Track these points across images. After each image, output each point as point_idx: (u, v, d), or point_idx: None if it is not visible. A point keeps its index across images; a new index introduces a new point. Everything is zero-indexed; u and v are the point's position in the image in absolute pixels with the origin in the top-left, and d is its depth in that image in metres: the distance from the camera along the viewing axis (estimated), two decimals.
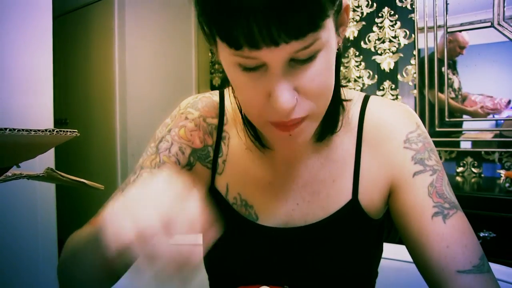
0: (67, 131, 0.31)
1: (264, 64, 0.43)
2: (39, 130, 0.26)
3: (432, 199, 0.53)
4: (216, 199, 0.63)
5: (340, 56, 0.54)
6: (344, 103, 0.59)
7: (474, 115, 1.82)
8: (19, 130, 0.24)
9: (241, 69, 0.44)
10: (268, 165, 0.61)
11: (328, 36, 0.44)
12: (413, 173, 0.55)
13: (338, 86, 0.56)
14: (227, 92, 0.65)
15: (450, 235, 0.51)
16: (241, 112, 0.59)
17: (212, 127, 0.64)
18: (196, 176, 0.64)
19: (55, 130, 0.29)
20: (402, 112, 0.59)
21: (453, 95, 1.86)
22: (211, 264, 0.63)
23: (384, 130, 0.58)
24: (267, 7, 0.37)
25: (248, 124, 0.59)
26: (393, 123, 0.58)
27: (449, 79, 1.85)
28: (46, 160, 1.50)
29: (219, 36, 0.42)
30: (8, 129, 0.24)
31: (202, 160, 0.63)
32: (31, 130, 0.26)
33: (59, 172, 0.56)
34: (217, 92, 0.67)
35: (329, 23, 0.43)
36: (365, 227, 0.59)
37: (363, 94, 0.62)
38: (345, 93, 0.59)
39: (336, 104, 0.57)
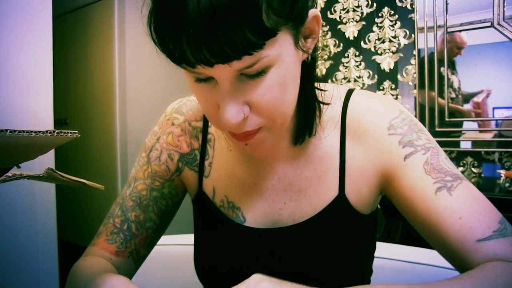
0: (67, 132, 0.32)
1: (213, 77, 0.43)
2: (39, 131, 0.26)
3: (431, 176, 0.51)
4: (204, 202, 0.63)
5: (312, 65, 0.54)
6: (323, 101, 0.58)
7: (468, 114, 1.82)
8: (19, 132, 0.24)
9: (194, 79, 0.45)
10: (252, 166, 0.60)
11: (281, 52, 0.43)
12: (403, 157, 0.53)
13: (312, 93, 0.56)
14: None
15: (459, 206, 0.48)
16: None
17: (197, 130, 0.64)
18: (185, 181, 0.65)
19: (56, 131, 0.29)
20: (383, 101, 0.58)
21: (453, 95, 1.86)
22: (202, 269, 0.62)
23: (366, 121, 0.56)
24: (198, 29, 0.37)
25: None
26: (374, 112, 0.56)
27: (448, 78, 1.85)
28: (46, 160, 1.50)
29: (160, 50, 0.43)
30: (8, 131, 0.24)
31: (190, 164, 0.64)
32: (31, 131, 0.26)
33: (59, 172, 0.56)
34: None
35: (282, 38, 0.42)
36: (355, 223, 0.58)
37: (346, 89, 0.60)
38: (326, 88, 0.58)
39: (312, 109, 0.56)
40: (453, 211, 0.48)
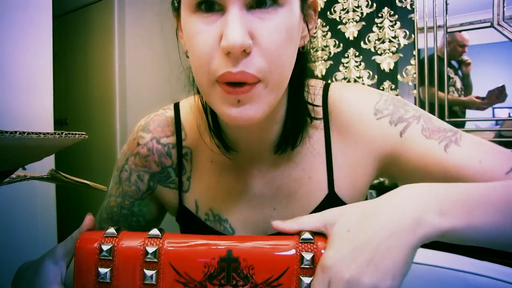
0: (75, 134, 0.32)
1: (222, 7, 0.42)
2: (48, 133, 0.26)
3: (433, 138, 0.51)
4: (188, 218, 0.61)
5: (306, 58, 0.53)
6: (310, 107, 0.56)
7: (470, 104, 1.82)
8: (28, 133, 0.25)
9: (198, 14, 0.43)
10: (236, 174, 0.58)
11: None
12: (399, 134, 0.53)
13: (301, 91, 0.54)
14: (183, 103, 0.63)
15: (473, 152, 0.49)
16: (205, 111, 0.57)
17: (169, 147, 0.61)
18: (161, 198, 0.63)
19: (64, 133, 0.29)
20: (360, 90, 0.58)
21: (456, 94, 1.86)
22: None
23: (350, 113, 0.55)
24: None
25: (213, 123, 0.56)
26: (356, 102, 0.56)
27: (451, 78, 1.86)
28: (47, 161, 1.50)
29: None
30: (18, 132, 0.24)
31: (163, 183, 0.61)
32: (40, 133, 0.26)
33: (63, 174, 0.56)
34: (171, 106, 0.63)
35: None
36: None
37: (322, 83, 0.59)
38: (312, 84, 0.57)
39: (300, 121, 0.55)
40: (470, 158, 0.49)
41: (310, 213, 0.55)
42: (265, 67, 0.43)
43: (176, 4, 0.52)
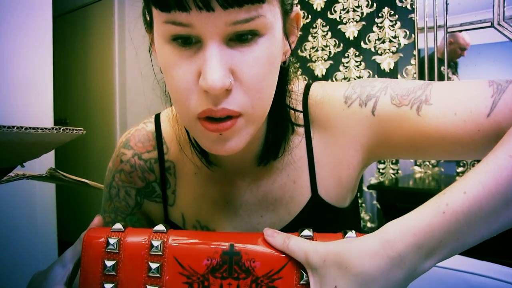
0: (73, 129, 0.31)
1: (199, 40, 0.39)
2: (45, 128, 0.26)
3: (404, 104, 0.48)
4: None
5: (287, 72, 0.52)
6: (292, 114, 0.55)
7: None
8: (26, 128, 0.24)
9: (174, 45, 0.40)
10: (221, 185, 0.57)
11: (273, 24, 0.41)
12: (371, 112, 0.50)
13: (283, 103, 0.53)
14: (164, 115, 0.62)
15: (446, 104, 0.45)
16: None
17: (151, 162, 0.59)
18: (148, 213, 0.63)
19: (61, 128, 0.29)
20: (334, 84, 0.56)
21: None
22: None
23: (324, 108, 0.54)
24: None
25: (194, 139, 0.54)
26: (327, 97, 0.54)
27: (448, 78, 1.86)
28: (47, 160, 1.50)
29: (151, 2, 0.39)
30: (15, 127, 0.24)
31: (149, 197, 0.61)
32: (37, 128, 0.26)
33: (62, 172, 0.56)
34: (152, 119, 0.62)
35: (275, 12, 0.41)
36: (334, 219, 0.56)
37: (304, 85, 0.57)
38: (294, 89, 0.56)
39: (282, 129, 0.53)
40: (444, 114, 0.45)
41: (294, 218, 0.55)
42: (246, 102, 0.41)
43: (148, 19, 0.48)
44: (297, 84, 0.57)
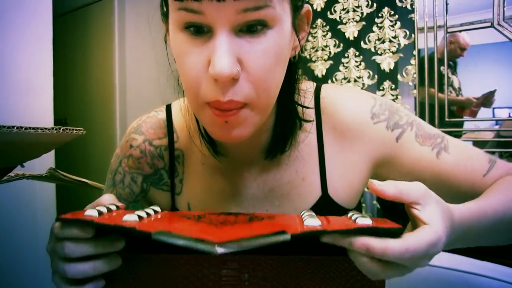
0: (72, 129, 0.31)
1: (210, 29, 0.41)
2: (45, 128, 0.26)
3: (426, 145, 0.56)
4: None
5: (296, 67, 0.53)
6: (299, 109, 0.56)
7: (466, 104, 1.82)
8: (26, 128, 0.24)
9: (187, 34, 0.42)
10: (228, 177, 0.58)
11: (282, 17, 0.42)
12: (395, 139, 0.56)
13: (291, 98, 0.54)
14: (175, 105, 0.63)
15: (459, 158, 0.56)
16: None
17: (161, 149, 0.60)
18: (153, 201, 0.63)
19: (61, 128, 0.29)
20: (354, 92, 0.59)
21: (454, 94, 1.86)
22: None
23: (346, 116, 0.56)
24: None
25: (203, 128, 0.55)
26: (351, 105, 0.57)
27: (448, 78, 1.86)
28: (47, 160, 1.50)
29: None
30: (15, 127, 0.24)
31: (156, 185, 0.61)
32: (37, 128, 0.26)
33: (62, 172, 0.56)
34: (163, 108, 0.63)
35: (285, 7, 0.43)
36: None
37: (314, 85, 0.59)
38: (302, 87, 0.57)
39: (290, 125, 0.54)
40: (457, 164, 0.56)
41: None
42: (252, 93, 0.43)
43: (165, 9, 0.51)
44: (305, 84, 0.58)
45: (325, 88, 0.59)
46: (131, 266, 0.42)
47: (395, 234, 0.36)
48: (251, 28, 0.41)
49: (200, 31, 0.41)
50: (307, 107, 0.56)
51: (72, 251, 0.38)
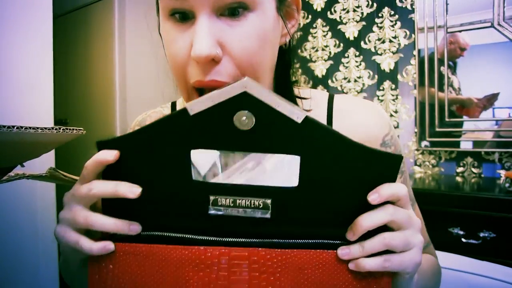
0: (72, 129, 0.31)
1: (194, 15, 0.42)
2: (45, 128, 0.26)
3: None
4: None
5: (289, 52, 0.54)
6: (300, 101, 0.56)
7: (467, 103, 1.82)
8: (26, 128, 0.24)
9: (172, 21, 0.44)
10: None
11: (263, 1, 0.43)
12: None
13: (288, 83, 0.55)
14: (179, 102, 0.64)
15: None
16: None
17: None
18: None
19: (61, 128, 0.29)
20: (374, 113, 0.58)
21: (454, 94, 1.86)
22: None
23: (359, 132, 0.55)
24: None
25: None
26: (369, 125, 0.56)
27: (448, 78, 1.86)
28: (47, 160, 1.50)
29: None
30: (15, 127, 0.24)
31: None
32: (37, 128, 0.26)
33: (62, 172, 0.56)
34: (168, 104, 0.65)
35: None
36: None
37: (327, 94, 0.60)
38: (312, 94, 0.57)
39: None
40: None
41: None
42: (237, 73, 0.44)
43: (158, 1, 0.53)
44: (319, 93, 0.59)
45: (338, 98, 0.58)
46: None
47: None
48: (233, 12, 0.42)
49: (185, 17, 0.43)
50: (304, 98, 0.57)
51: (99, 189, 0.40)
